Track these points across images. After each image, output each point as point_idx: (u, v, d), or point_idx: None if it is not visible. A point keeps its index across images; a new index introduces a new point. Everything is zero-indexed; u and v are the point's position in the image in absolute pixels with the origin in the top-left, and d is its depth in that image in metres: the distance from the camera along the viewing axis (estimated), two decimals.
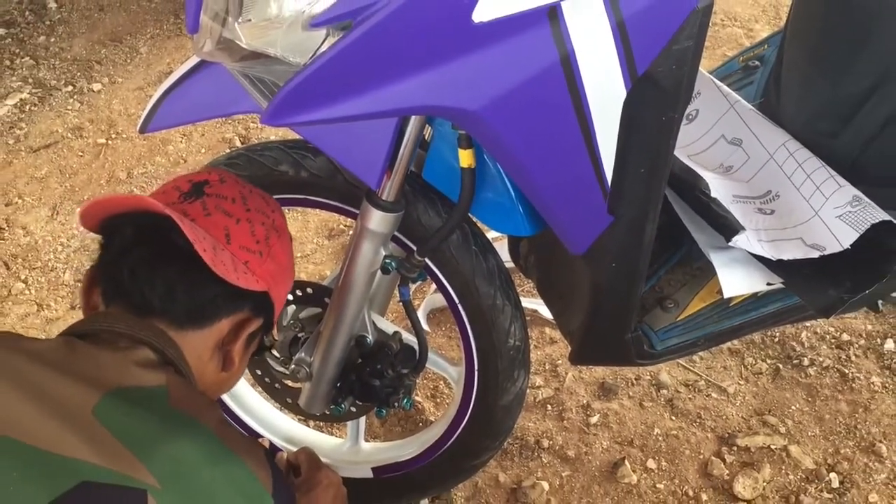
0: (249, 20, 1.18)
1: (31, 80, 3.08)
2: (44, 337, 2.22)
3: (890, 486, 1.77)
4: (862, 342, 2.04)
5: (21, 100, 3.00)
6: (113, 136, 2.83)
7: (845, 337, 2.04)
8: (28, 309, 2.31)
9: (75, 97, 3.00)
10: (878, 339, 2.04)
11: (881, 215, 1.47)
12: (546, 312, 2.10)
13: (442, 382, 2.03)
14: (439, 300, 2.16)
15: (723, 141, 1.77)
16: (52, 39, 3.29)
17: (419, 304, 2.16)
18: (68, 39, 3.27)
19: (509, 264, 1.79)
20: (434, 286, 2.16)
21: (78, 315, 2.30)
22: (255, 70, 1.22)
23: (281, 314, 1.66)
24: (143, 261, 1.20)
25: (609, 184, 1.27)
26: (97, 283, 1.24)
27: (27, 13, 3.41)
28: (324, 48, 1.11)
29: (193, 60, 1.50)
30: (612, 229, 1.34)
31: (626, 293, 1.46)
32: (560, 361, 2.04)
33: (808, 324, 2.07)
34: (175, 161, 2.71)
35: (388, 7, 1.05)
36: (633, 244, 1.38)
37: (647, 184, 1.30)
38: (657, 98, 1.18)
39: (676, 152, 1.71)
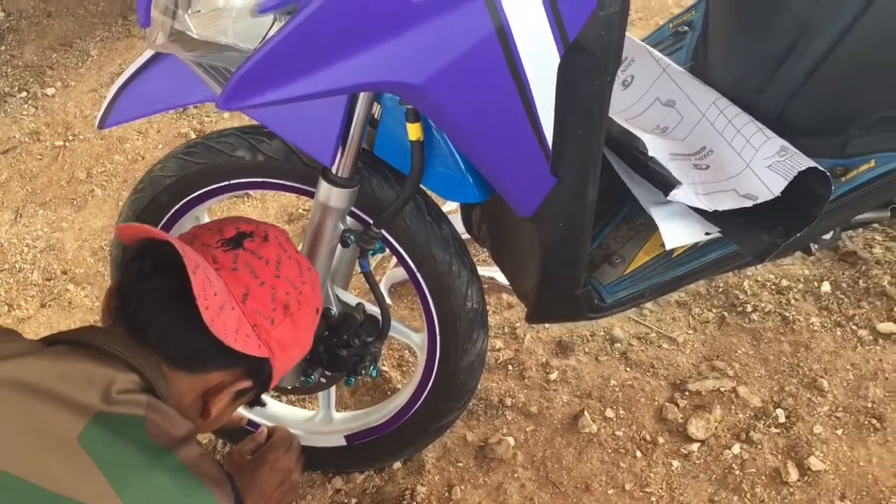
0: (199, 11, 1.21)
1: None
2: None
3: (832, 418, 1.85)
4: (800, 286, 2.11)
5: None
6: (70, 137, 2.84)
7: (784, 283, 2.12)
8: None
9: (30, 102, 3.00)
10: (815, 283, 2.11)
11: (807, 162, 1.53)
12: (502, 279, 2.14)
13: (407, 352, 2.07)
14: (400, 274, 2.21)
15: (657, 103, 1.83)
16: (3, 48, 3.28)
17: (381, 278, 2.20)
18: (19, 47, 3.27)
19: (465, 235, 1.84)
20: (395, 261, 2.22)
21: (49, 313, 2.32)
22: (208, 58, 1.26)
23: None
24: (154, 293, 1.21)
25: (550, 147, 1.32)
26: (115, 298, 1.25)
27: None
28: (272, 32, 1.15)
29: (147, 55, 1.53)
30: (556, 191, 1.39)
31: (574, 251, 1.51)
32: (518, 324, 2.10)
33: (749, 272, 2.14)
34: (133, 158, 2.72)
35: None
36: (576, 204, 1.43)
37: (585, 145, 1.35)
38: (589, 63, 1.23)
39: (615, 116, 1.77)
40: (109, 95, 1.57)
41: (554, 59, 1.20)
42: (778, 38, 1.62)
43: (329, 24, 1.11)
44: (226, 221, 1.32)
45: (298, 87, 1.16)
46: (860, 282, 2.11)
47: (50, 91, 3.04)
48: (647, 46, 1.90)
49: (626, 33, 1.83)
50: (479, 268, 1.73)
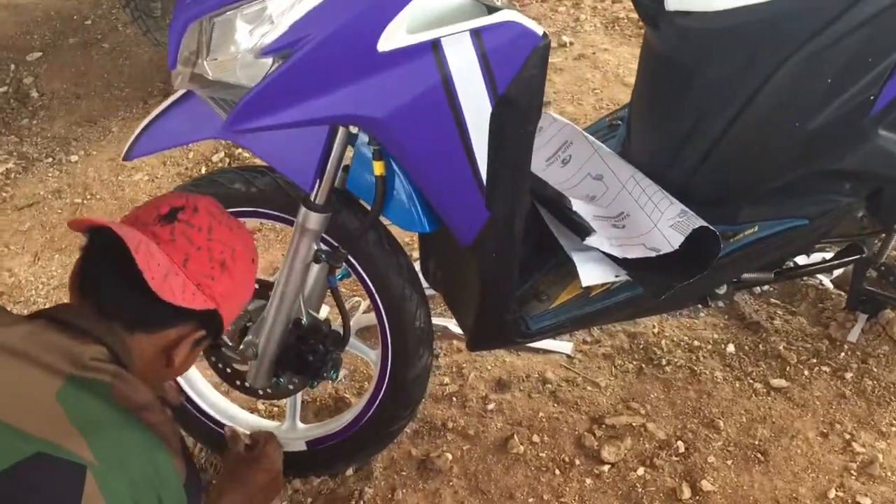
0: (216, 59, 1.52)
1: (15, 154, 3.37)
2: None
3: (724, 451, 2.09)
4: (709, 347, 2.38)
5: (7, 169, 3.28)
6: (88, 197, 3.12)
7: (696, 343, 2.38)
8: None
9: (55, 167, 3.30)
10: (722, 345, 2.38)
11: (700, 223, 1.82)
12: (455, 328, 2.40)
13: (366, 383, 2.31)
14: (367, 319, 2.46)
15: (589, 177, 2.12)
16: (35, 121, 3.59)
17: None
18: (49, 121, 3.58)
19: (428, 290, 2.09)
20: (363, 306, 2.48)
21: None
22: (219, 94, 1.55)
23: None
24: (109, 271, 1.39)
25: (485, 183, 1.61)
26: (78, 278, 1.43)
27: (12, 101, 3.72)
28: (269, 72, 1.45)
29: (169, 101, 1.82)
30: (490, 223, 1.65)
31: (505, 277, 1.77)
32: (465, 365, 2.35)
33: (666, 332, 2.40)
34: None
35: (316, 39, 1.38)
36: (507, 236, 1.70)
37: (513, 184, 1.63)
38: (514, 114, 1.52)
39: (554, 184, 2.06)
40: (135, 133, 1.86)
41: (487, 108, 1.49)
42: (680, 124, 1.91)
43: (313, 66, 1.41)
44: (160, 199, 1.49)
45: (286, 115, 1.45)
46: (760, 346, 2.37)
47: (73, 158, 3.33)
48: (585, 133, 2.20)
49: (570, 122, 2.17)
50: (434, 318, 1.99)
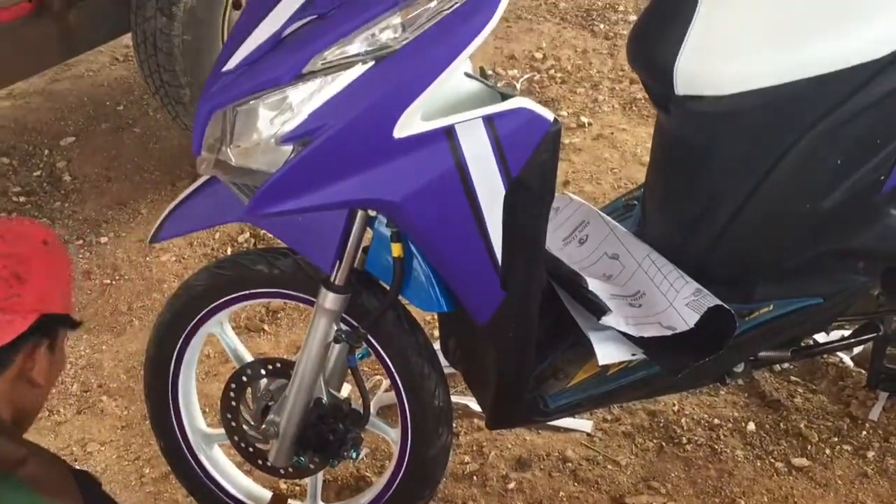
0: (238, 146, 1.57)
1: None
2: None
3: None
4: (730, 425, 2.37)
5: None
6: (116, 277, 3.18)
7: (717, 421, 2.37)
8: (40, 413, 2.60)
9: (85, 248, 3.36)
10: (743, 423, 2.37)
11: (716, 301, 1.84)
12: (475, 406, 2.41)
13: (387, 461, 2.32)
14: (388, 398, 2.47)
15: (605, 257, 2.14)
16: (66, 204, 3.66)
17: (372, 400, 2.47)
18: (80, 204, 3.65)
19: (448, 369, 2.11)
20: (384, 385, 2.50)
21: (83, 419, 2.59)
22: (242, 179, 1.59)
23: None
24: None
25: (500, 264, 1.64)
26: None
27: (45, 185, 3.80)
28: (289, 158, 1.50)
29: (194, 186, 1.88)
30: (506, 302, 1.68)
31: (522, 356, 1.78)
32: (485, 443, 2.35)
33: (686, 410, 2.40)
34: (168, 295, 3.04)
35: (335, 127, 1.43)
36: (523, 315, 1.72)
37: (528, 265, 1.66)
38: (528, 196, 1.56)
39: (570, 263, 2.09)
40: (162, 216, 1.91)
41: (501, 190, 1.53)
42: (693, 204, 1.94)
43: (332, 153, 1.46)
44: None
45: (306, 200, 1.49)
46: (781, 424, 2.36)
47: (103, 240, 3.40)
48: (601, 213, 2.23)
49: (586, 202, 2.21)
50: (454, 396, 2.01)
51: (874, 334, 2.17)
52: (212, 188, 1.82)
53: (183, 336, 1.97)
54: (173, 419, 2.07)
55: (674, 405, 2.43)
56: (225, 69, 1.54)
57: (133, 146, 3.98)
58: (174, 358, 2.00)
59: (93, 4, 3.25)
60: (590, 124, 3.85)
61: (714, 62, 1.79)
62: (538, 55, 4.32)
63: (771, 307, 1.94)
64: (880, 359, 2.33)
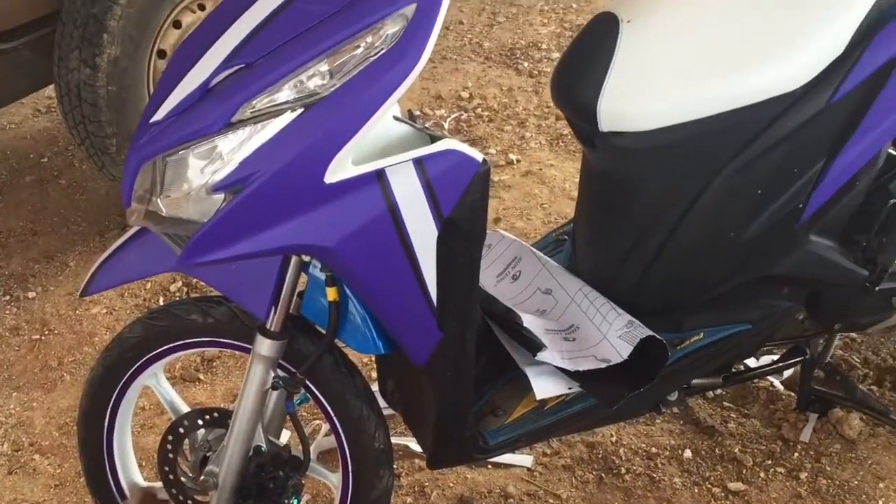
0: (169, 196, 1.56)
1: None
2: None
3: None
4: (667, 453, 2.40)
5: None
6: (46, 332, 3.11)
7: (654, 450, 2.40)
8: None
9: (12, 304, 3.29)
10: (679, 451, 2.40)
11: (647, 332, 1.87)
12: (415, 447, 2.41)
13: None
14: (328, 443, 2.45)
15: (538, 292, 2.17)
16: None
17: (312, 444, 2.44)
18: (5, 259, 3.58)
19: (387, 410, 2.11)
20: (324, 430, 2.48)
21: (14, 479, 2.52)
22: (173, 229, 1.59)
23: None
24: None
25: (436, 305, 1.65)
26: None
27: None
28: (221, 207, 1.49)
29: (125, 237, 1.86)
30: (442, 343, 1.69)
31: (461, 395, 1.79)
32: (427, 484, 2.34)
33: (624, 441, 2.42)
34: (100, 349, 2.99)
35: (266, 174, 1.43)
36: (460, 355, 1.73)
37: (463, 304, 1.67)
38: (460, 236, 1.57)
39: (504, 300, 2.11)
40: (92, 269, 1.89)
41: (433, 232, 1.54)
42: (621, 238, 1.98)
43: (264, 200, 1.45)
44: None
45: (239, 248, 1.48)
46: (716, 449, 2.40)
47: (31, 294, 3.33)
48: (533, 249, 2.26)
49: (517, 239, 2.23)
50: (394, 437, 2.00)
51: (801, 357, 2.23)
52: (143, 238, 1.80)
53: (117, 389, 1.93)
54: (109, 475, 2.03)
55: (612, 436, 2.45)
56: (153, 120, 1.53)
57: (59, 198, 3.92)
58: (108, 412, 1.96)
59: (13, 56, 3.20)
60: (518, 161, 3.90)
61: (634, 100, 1.83)
62: (465, 94, 4.37)
63: (701, 335, 1.98)
64: (808, 381, 2.39)
